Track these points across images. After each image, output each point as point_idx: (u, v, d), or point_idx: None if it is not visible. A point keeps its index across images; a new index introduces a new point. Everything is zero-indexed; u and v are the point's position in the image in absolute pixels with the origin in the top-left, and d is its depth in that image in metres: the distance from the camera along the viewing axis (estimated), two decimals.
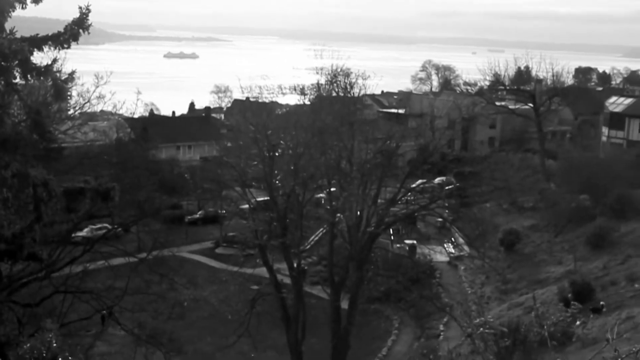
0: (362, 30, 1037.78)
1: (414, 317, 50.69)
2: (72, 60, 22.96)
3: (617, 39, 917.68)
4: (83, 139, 47.51)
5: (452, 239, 61.66)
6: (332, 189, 39.36)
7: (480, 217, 56.28)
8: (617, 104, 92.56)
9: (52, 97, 20.71)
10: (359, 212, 37.77)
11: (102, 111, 61.15)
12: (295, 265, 39.00)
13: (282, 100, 66.37)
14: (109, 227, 43.99)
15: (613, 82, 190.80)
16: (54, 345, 16.27)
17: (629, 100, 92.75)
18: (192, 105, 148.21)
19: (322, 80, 45.96)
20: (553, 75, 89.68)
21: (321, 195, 44.25)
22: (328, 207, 39.70)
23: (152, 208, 45.15)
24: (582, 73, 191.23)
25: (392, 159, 41.39)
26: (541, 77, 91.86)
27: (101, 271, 36.43)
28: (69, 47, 19.81)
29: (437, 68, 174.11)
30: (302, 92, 48.96)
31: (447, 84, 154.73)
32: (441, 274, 57.32)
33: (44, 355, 15.93)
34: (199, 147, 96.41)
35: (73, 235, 36.84)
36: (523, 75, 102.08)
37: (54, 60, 19.36)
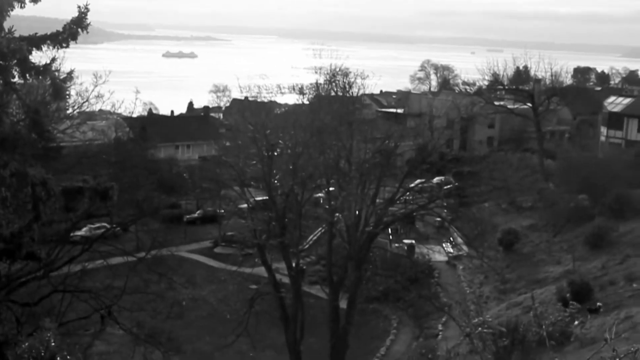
0: (361, 29, 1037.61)
1: (412, 317, 50.69)
2: (70, 59, 22.89)
3: (617, 39, 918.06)
4: (82, 138, 47.55)
5: (451, 238, 61.69)
6: (331, 189, 39.37)
7: (479, 216, 56.33)
8: (615, 103, 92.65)
9: (50, 96, 20.70)
10: (357, 212, 37.78)
11: (100, 110, 61.06)
12: (293, 264, 39.00)
13: (281, 99, 66.55)
14: (108, 226, 43.94)
15: (612, 82, 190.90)
16: (53, 344, 16.26)
17: (627, 100, 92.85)
18: (190, 104, 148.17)
19: (321, 80, 46.11)
20: (552, 75, 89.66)
21: (320, 194, 44.27)
22: (327, 206, 39.70)
23: (150, 207, 45.21)
24: (581, 73, 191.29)
25: (391, 159, 41.38)
26: (540, 77, 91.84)
27: (100, 270, 36.41)
28: (67, 46, 19.82)
29: (436, 68, 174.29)
30: (301, 91, 49.04)
31: (445, 84, 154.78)
32: (440, 274, 57.35)
33: (43, 354, 15.92)
34: (198, 147, 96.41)
35: (71, 234, 36.71)
36: (522, 75, 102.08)
37: (53, 60, 19.38)
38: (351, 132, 39.30)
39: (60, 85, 19.58)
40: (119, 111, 75.22)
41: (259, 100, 57.52)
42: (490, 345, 22.65)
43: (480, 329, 22.48)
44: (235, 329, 37.53)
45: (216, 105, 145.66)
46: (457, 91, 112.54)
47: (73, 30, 19.46)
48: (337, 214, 38.74)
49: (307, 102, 48.95)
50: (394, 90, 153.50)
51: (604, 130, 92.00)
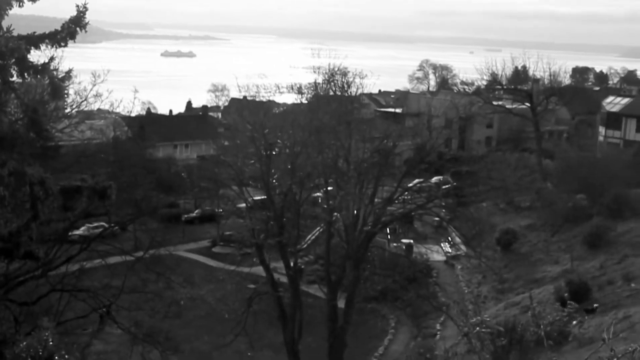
0: (361, 29, 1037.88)
1: (410, 316, 50.71)
2: (69, 58, 22.88)
3: (616, 39, 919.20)
4: (80, 137, 47.37)
5: (449, 238, 61.73)
6: (329, 188, 39.34)
7: (477, 216, 56.32)
8: (614, 103, 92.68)
9: (49, 96, 20.68)
10: (355, 211, 37.76)
11: (99, 110, 60.91)
12: (292, 264, 38.98)
13: (279, 99, 66.58)
14: (106, 225, 43.90)
15: (610, 82, 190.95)
16: (51, 343, 16.25)
17: (625, 100, 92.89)
18: (189, 103, 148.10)
19: (320, 79, 46.05)
20: (550, 75, 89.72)
21: (318, 194, 44.23)
22: (325, 206, 39.68)
23: (149, 207, 45.15)
24: (579, 73, 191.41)
25: (389, 158, 41.35)
26: (538, 76, 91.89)
27: (98, 270, 36.41)
28: (66, 46, 19.82)
29: (435, 67, 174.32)
30: (300, 91, 48.91)
31: (444, 84, 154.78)
32: (438, 273, 57.37)
33: (41, 353, 15.91)
34: (196, 146, 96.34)
35: (70, 233, 36.74)
36: (520, 74, 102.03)
37: (51, 59, 19.37)
38: (349, 132, 39.27)
39: (59, 85, 19.58)
40: (118, 110, 75.09)
41: (257, 99, 57.56)
42: (488, 344, 22.69)
43: (478, 328, 22.52)
44: (234, 328, 37.49)
45: (215, 104, 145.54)
46: (455, 91, 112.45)
47: (71, 29, 19.46)
48: (335, 214, 38.72)
49: (305, 102, 48.87)
50: (392, 89, 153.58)
51: (602, 130, 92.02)
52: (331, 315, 38.61)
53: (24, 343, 16.35)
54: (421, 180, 45.02)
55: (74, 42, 19.77)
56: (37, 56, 19.23)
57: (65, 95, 22.57)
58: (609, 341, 9.55)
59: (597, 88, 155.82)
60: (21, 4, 18.95)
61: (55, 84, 19.43)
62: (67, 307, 31.92)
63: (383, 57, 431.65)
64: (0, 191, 18.66)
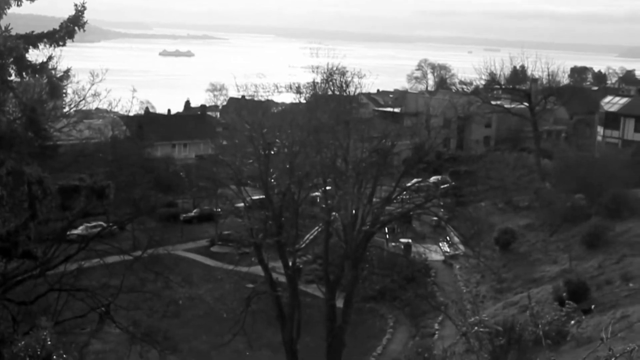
0: (360, 29, 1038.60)
1: (409, 316, 50.72)
2: (67, 57, 22.85)
3: (615, 39, 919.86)
4: (78, 136, 47.41)
5: (448, 237, 61.74)
6: (328, 188, 39.33)
7: (476, 216, 56.23)
8: (612, 103, 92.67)
9: (47, 95, 20.69)
10: (354, 211, 37.75)
11: (97, 109, 60.87)
12: (290, 263, 38.97)
13: (278, 98, 66.26)
14: (104, 225, 43.88)
15: (608, 82, 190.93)
16: (49, 343, 16.25)
17: (624, 100, 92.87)
18: (187, 103, 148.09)
19: (318, 79, 45.98)
20: (548, 75, 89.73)
21: (317, 193, 44.23)
22: (323, 205, 39.66)
23: (147, 206, 45.13)
24: (578, 72, 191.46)
25: (388, 158, 41.36)
26: (537, 76, 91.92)
27: (96, 269, 36.40)
28: (64, 45, 19.82)
29: (433, 67, 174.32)
30: (298, 90, 48.87)
31: (442, 83, 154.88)
32: (436, 273, 57.36)
33: (39, 353, 15.91)
34: (195, 145, 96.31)
35: (68, 233, 36.72)
36: (519, 74, 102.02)
37: (50, 58, 19.37)
38: (348, 131, 39.27)
39: (57, 84, 19.58)
40: (116, 110, 75.01)
41: (256, 99, 57.33)
42: (487, 344, 22.70)
43: (476, 328, 22.54)
44: (232, 327, 37.48)
45: (213, 104, 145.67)
46: (454, 90, 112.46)
47: (70, 28, 19.46)
48: (333, 213, 38.72)
49: (304, 101, 48.83)
50: (391, 89, 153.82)
51: (600, 130, 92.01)
52: (329, 315, 38.60)
53: (22, 342, 16.35)
54: (419, 179, 44.99)
55: (72, 41, 19.78)
56: (35, 55, 19.25)
57: (64, 95, 22.59)
58: (607, 341, 9.55)
59: (595, 88, 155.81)
60: (19, 3, 18.94)
61: (54, 83, 19.43)
62: (65, 306, 31.89)
63: (382, 57, 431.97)
64: None
